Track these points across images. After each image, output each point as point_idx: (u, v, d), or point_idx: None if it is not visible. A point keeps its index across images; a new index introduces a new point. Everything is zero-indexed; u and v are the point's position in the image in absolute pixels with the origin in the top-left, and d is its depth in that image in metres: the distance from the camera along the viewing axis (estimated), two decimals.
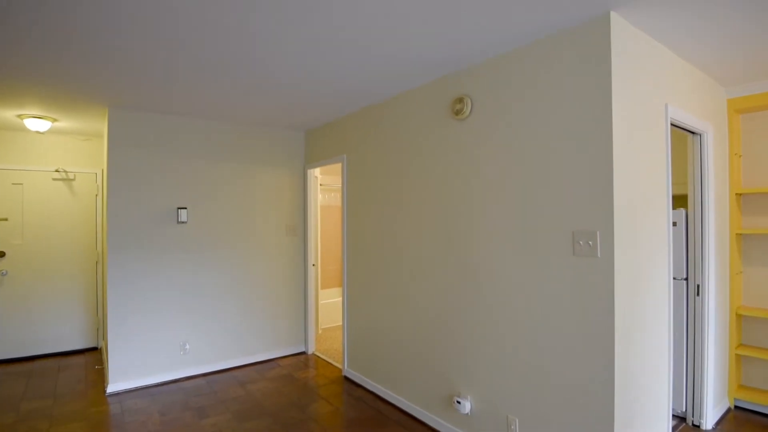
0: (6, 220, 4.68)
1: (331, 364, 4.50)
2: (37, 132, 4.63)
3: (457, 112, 2.85)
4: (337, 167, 6.27)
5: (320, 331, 5.66)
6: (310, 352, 4.85)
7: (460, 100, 2.82)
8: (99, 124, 4.48)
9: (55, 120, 4.23)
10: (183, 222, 4.21)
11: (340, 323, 5.97)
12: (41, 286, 4.84)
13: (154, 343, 4.04)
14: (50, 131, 4.74)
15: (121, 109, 3.88)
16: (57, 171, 4.93)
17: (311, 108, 3.88)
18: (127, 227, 3.93)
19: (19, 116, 4.03)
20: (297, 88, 3.28)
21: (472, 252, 2.78)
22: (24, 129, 4.64)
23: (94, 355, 4.85)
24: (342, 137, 4.21)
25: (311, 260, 4.86)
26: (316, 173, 5.02)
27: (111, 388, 3.80)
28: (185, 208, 4.20)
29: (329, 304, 5.99)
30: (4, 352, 4.65)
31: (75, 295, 5.00)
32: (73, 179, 5.02)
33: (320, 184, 5.71)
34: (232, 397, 3.69)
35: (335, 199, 6.71)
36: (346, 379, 4.08)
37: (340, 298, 6.15)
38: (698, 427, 2.98)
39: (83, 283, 5.04)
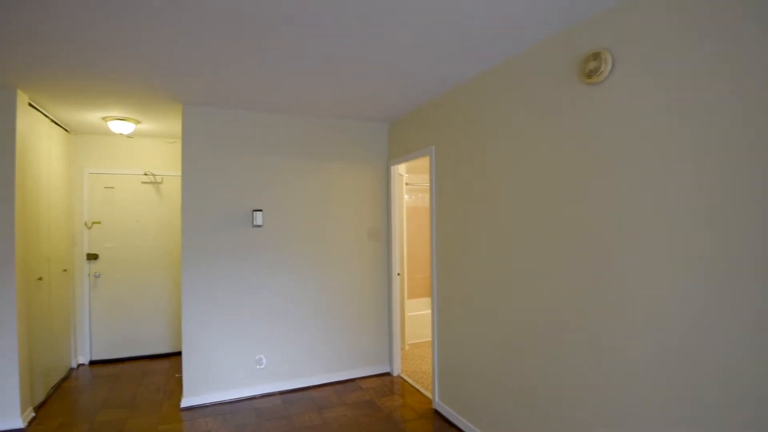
0: (99, 223, 4.76)
1: (419, 391, 3.87)
2: (125, 135, 4.65)
3: (590, 74, 2.06)
4: (424, 163, 5.65)
5: (407, 347, 5.06)
6: (395, 373, 4.26)
7: (596, 56, 2.04)
8: (180, 126, 4.35)
9: (137, 122, 4.16)
10: (258, 225, 3.88)
11: (429, 338, 5.33)
12: (130, 288, 4.86)
13: (229, 355, 3.75)
14: (138, 135, 4.73)
15: (195, 106, 3.65)
16: (145, 174, 4.94)
17: (398, 90, 3.29)
18: (201, 230, 3.68)
19: (103, 119, 4.00)
20: (407, 51, 2.72)
21: (612, 265, 1.97)
22: (114, 134, 4.69)
23: (179, 360, 4.75)
24: (429, 126, 3.58)
25: (396, 268, 4.28)
26: (400, 170, 4.44)
27: (185, 402, 3.56)
28: (260, 211, 3.87)
29: (416, 317, 5.38)
30: (97, 353, 4.72)
31: (162, 299, 4.97)
32: (161, 182, 5.01)
33: (405, 184, 5.13)
34: (306, 425, 3.23)
35: (422, 200, 6.10)
36: (437, 414, 3.42)
37: (429, 310, 5.52)
38: None
39: (169, 287, 5.00)
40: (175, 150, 5.05)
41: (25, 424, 3.11)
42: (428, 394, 3.75)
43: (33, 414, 3.29)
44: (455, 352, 3.24)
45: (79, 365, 4.60)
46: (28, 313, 3.36)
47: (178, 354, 4.95)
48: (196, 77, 2.93)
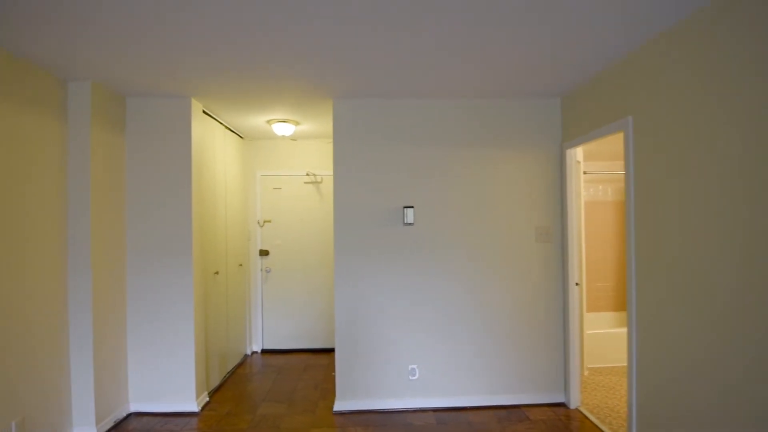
0: (270, 221, 5.10)
1: None
2: (288, 138, 4.86)
3: None
4: (607, 146, 4.61)
5: (585, 372, 4.15)
6: (572, 405, 3.46)
7: None
8: None
9: (297, 123, 4.25)
10: (409, 224, 3.55)
11: (615, 364, 4.30)
12: (296, 284, 5.09)
13: (380, 362, 3.51)
14: (300, 137, 4.91)
15: (344, 99, 3.50)
16: (307, 174, 5.11)
17: (579, 41, 2.57)
18: (351, 229, 3.52)
19: (267, 122, 4.19)
20: None
21: None
22: (279, 137, 4.95)
23: None
24: (623, 91, 2.72)
25: (574, 276, 3.47)
26: (578, 156, 3.61)
27: (338, 406, 3.44)
28: (412, 207, 3.53)
29: (596, 336, 4.40)
30: (267, 343, 5.06)
31: (322, 295, 5.09)
32: (320, 182, 5.13)
33: (583, 172, 4.21)
34: None
35: (603, 192, 5.01)
36: None
37: (616, 329, 4.47)
38: None
39: (329, 284, 5.09)
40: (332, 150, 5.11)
41: (199, 408, 3.36)
42: None
43: (207, 399, 3.56)
44: (670, 386, 2.34)
45: (253, 353, 4.98)
46: (206, 304, 3.66)
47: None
48: (344, 65, 2.72)
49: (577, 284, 3.45)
